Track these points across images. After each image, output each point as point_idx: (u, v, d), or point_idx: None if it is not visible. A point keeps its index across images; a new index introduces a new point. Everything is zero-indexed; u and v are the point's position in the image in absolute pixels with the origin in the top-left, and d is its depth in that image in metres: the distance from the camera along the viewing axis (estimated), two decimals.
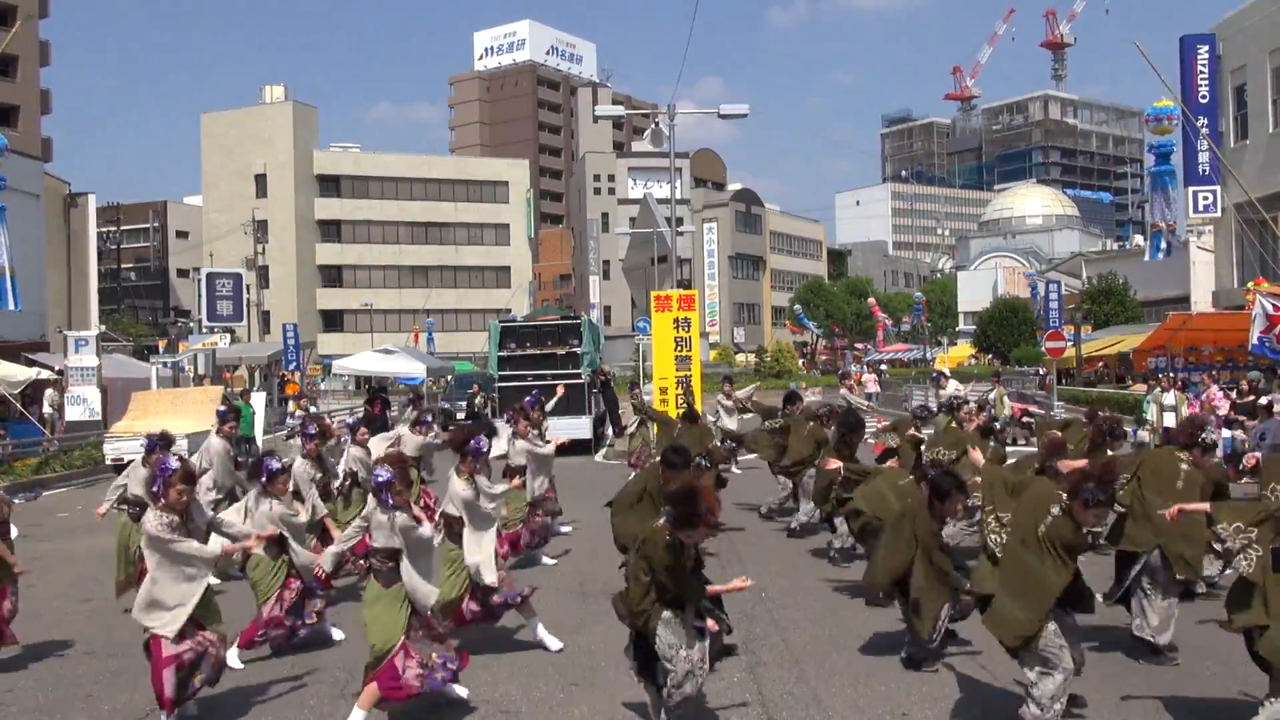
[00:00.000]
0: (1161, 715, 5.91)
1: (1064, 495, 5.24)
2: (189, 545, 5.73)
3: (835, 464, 8.93)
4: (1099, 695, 6.19)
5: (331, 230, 76.85)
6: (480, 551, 7.11)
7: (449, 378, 41.02)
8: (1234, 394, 17.67)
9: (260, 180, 73.54)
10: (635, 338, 39.58)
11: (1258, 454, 6.98)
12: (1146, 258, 27.96)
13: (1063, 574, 5.20)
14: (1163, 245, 25.32)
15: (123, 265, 74.84)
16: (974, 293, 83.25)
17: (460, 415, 17.76)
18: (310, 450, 8.99)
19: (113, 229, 69.72)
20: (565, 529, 12.03)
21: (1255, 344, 19.02)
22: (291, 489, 8.20)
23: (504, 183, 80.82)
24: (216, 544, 6.28)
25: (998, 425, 11.65)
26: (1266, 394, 16.24)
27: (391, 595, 5.82)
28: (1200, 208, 33.57)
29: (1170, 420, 17.55)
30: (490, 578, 7.10)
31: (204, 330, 40.04)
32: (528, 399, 11.63)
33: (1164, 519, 6.16)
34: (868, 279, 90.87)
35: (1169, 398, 18.10)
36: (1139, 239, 27.54)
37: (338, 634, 7.72)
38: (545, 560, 10.59)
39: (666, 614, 5.15)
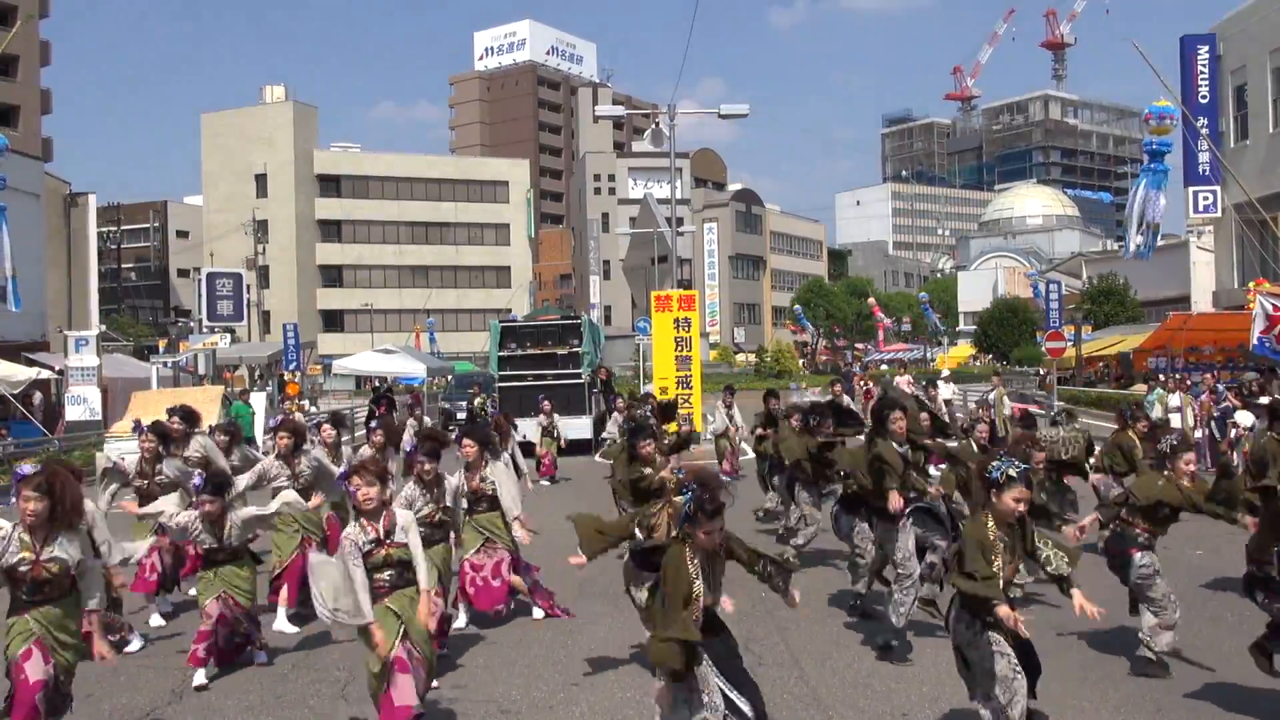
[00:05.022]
0: (1162, 715, 5.92)
1: None
2: None
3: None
4: (1097, 693, 6.20)
5: (332, 230, 76.87)
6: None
7: (449, 378, 41.02)
8: (1233, 392, 17.65)
9: (260, 180, 73.55)
10: (635, 338, 39.55)
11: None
12: (1127, 255, 27.84)
13: None
14: (1136, 242, 25.19)
15: (123, 265, 74.85)
16: (974, 293, 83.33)
17: (461, 416, 17.77)
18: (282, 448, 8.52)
19: (113, 229, 69.71)
20: None
21: (1255, 344, 18.99)
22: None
23: (504, 183, 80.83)
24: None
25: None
26: (1266, 394, 16.25)
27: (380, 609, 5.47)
28: (1200, 208, 33.55)
29: (1175, 421, 17.54)
30: None
31: (204, 330, 39.99)
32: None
33: None
34: (868, 279, 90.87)
35: (1174, 399, 18.09)
36: (1139, 239, 27.32)
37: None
38: None
39: None
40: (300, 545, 8.22)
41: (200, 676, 6.70)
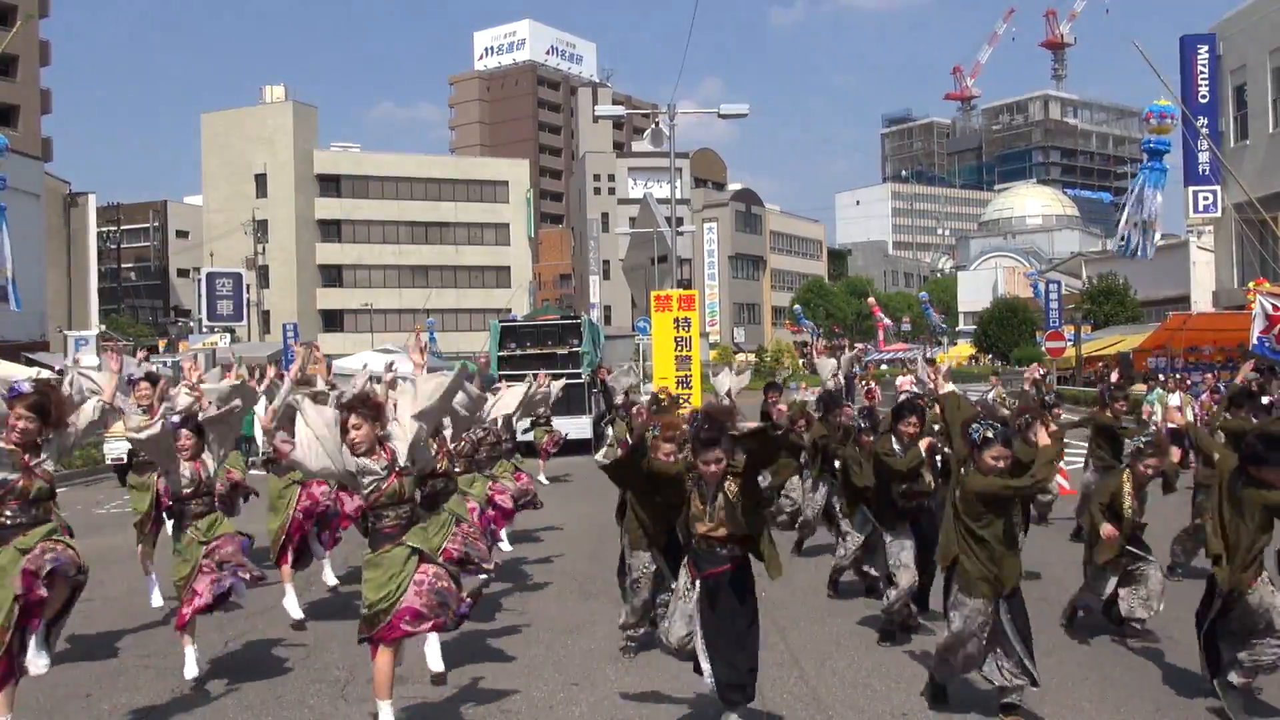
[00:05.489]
0: (1162, 715, 5.92)
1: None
2: None
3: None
4: (1097, 693, 6.19)
5: (331, 230, 76.84)
6: None
7: None
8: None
9: (260, 180, 73.51)
10: (635, 338, 39.58)
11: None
12: (1122, 252, 27.85)
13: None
14: (1134, 241, 25.19)
15: (123, 265, 74.80)
16: (974, 293, 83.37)
17: None
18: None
19: (113, 229, 69.67)
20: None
21: (1255, 344, 18.98)
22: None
23: (504, 183, 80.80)
24: None
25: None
26: (1266, 394, 16.22)
27: (394, 556, 5.25)
28: (1200, 208, 33.57)
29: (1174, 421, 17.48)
30: None
31: (204, 330, 40.04)
32: None
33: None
34: (868, 279, 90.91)
35: (1174, 399, 18.07)
36: (1136, 238, 27.37)
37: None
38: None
39: None
40: (293, 503, 8.11)
41: (191, 665, 6.43)
